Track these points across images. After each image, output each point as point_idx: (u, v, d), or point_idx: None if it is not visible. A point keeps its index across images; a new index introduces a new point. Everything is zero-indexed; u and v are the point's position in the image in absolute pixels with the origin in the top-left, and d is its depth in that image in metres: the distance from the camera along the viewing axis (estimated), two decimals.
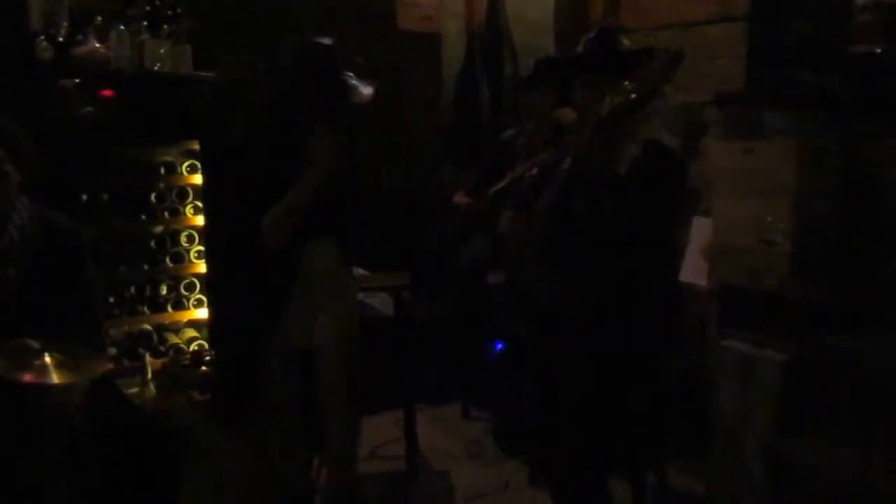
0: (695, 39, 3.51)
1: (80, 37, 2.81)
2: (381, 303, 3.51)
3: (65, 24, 2.83)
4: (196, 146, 2.99)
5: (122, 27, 2.82)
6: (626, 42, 2.09)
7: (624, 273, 1.99)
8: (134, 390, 2.81)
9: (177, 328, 3.22)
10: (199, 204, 3.06)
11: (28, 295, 1.96)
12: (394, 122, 3.96)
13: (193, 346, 3.12)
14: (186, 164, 3.04)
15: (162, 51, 2.92)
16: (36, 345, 1.74)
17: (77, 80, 2.72)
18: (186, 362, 2.82)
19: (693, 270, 3.22)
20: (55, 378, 1.68)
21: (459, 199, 3.49)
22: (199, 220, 3.07)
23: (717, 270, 2.82)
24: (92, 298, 2.18)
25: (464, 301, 3.41)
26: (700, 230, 3.19)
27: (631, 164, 1.97)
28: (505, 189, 2.68)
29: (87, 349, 1.86)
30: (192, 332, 3.21)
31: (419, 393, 3.77)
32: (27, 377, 1.68)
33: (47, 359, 1.70)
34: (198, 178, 3.05)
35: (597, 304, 2.00)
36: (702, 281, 3.01)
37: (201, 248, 3.08)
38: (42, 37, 2.76)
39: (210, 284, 3.06)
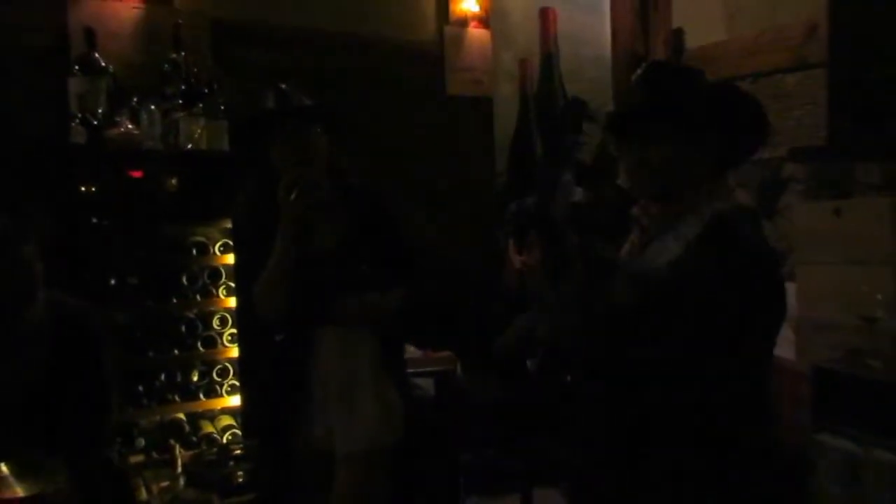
0: (769, 90, 3.29)
1: (117, 118, 2.78)
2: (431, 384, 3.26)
3: (101, 105, 2.81)
4: (229, 224, 2.86)
5: (152, 107, 2.76)
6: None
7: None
8: (165, 483, 2.63)
9: (212, 415, 3.04)
10: (233, 284, 2.91)
11: (43, 383, 1.85)
12: (440, 191, 3.79)
13: (227, 436, 2.93)
14: (219, 243, 2.91)
15: (196, 128, 2.85)
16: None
17: (107, 162, 2.66)
18: (212, 457, 2.60)
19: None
20: (19, 491, 1.49)
21: (514, 258, 3.21)
22: (232, 302, 2.91)
23: (807, 350, 2.42)
24: (102, 388, 2.03)
25: (508, 388, 3.05)
26: None
27: (677, 260, 1.35)
28: None
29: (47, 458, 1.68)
30: (227, 420, 3.02)
31: (473, 483, 3.46)
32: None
33: (4, 469, 1.51)
34: (231, 258, 2.91)
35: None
36: (788, 354, 2.61)
37: (234, 331, 2.92)
38: (77, 120, 2.73)
39: (242, 369, 2.88)
